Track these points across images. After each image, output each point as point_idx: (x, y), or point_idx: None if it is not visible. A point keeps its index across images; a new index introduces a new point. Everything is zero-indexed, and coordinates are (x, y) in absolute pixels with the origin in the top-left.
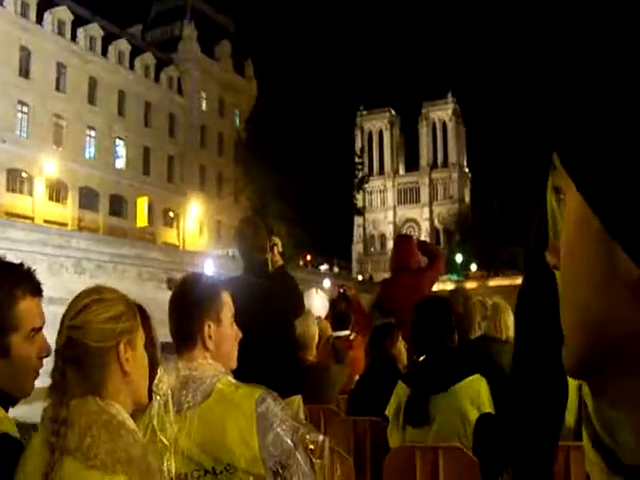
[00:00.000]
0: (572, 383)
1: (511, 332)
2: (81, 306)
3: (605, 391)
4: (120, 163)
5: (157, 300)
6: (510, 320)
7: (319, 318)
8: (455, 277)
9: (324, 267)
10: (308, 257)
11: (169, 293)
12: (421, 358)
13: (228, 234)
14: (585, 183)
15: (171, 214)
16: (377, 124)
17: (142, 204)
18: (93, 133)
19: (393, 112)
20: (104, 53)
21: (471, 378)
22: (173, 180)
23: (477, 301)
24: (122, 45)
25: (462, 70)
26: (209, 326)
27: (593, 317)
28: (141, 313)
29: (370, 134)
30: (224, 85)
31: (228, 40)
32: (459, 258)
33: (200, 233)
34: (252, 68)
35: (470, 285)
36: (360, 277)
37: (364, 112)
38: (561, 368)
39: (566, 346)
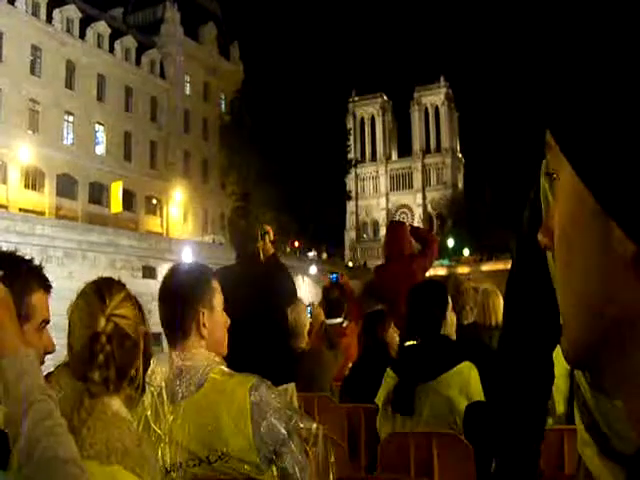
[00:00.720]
0: (562, 372)
1: (501, 317)
2: (120, 298)
3: (603, 380)
4: (100, 149)
5: (132, 289)
6: (500, 305)
7: (312, 305)
8: (447, 262)
9: (312, 254)
10: (296, 243)
11: (146, 282)
12: (407, 343)
13: (214, 221)
14: (579, 160)
15: (154, 201)
16: (369, 109)
17: (116, 189)
18: (71, 118)
19: (385, 97)
20: (82, 36)
21: (460, 366)
22: (156, 166)
23: (470, 287)
24: (101, 27)
25: (454, 54)
26: (203, 314)
27: (590, 297)
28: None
29: (362, 120)
30: (209, 69)
31: (213, 23)
32: (451, 243)
33: (185, 220)
34: (238, 51)
35: (462, 270)
36: (350, 263)
37: (356, 98)
38: (547, 352)
39: (565, 330)
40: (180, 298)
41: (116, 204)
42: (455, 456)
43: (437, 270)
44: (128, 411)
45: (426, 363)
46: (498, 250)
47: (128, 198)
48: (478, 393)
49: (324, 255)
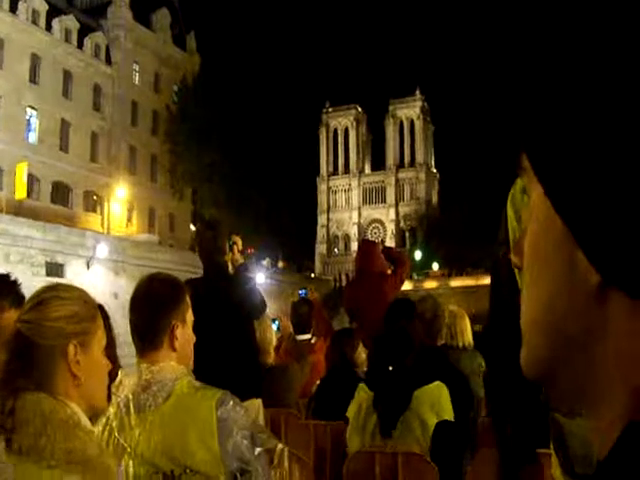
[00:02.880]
0: None
1: (467, 338)
2: (36, 301)
3: (558, 398)
4: (33, 137)
5: (32, 288)
6: (467, 327)
7: (279, 317)
8: (414, 276)
9: (264, 261)
10: (250, 250)
11: (49, 281)
12: (390, 368)
13: (162, 222)
14: (551, 185)
15: (94, 197)
16: (343, 121)
17: (21, 172)
18: None
19: (360, 109)
20: (13, 10)
21: (432, 385)
22: (97, 160)
23: (446, 309)
24: (36, 3)
25: (430, 67)
26: (177, 326)
27: (552, 316)
28: (101, 313)
29: (335, 131)
30: (161, 58)
31: (167, 9)
32: (418, 255)
33: (129, 220)
34: (195, 42)
35: (430, 285)
36: (312, 275)
37: (330, 108)
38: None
39: (524, 346)
40: (155, 308)
41: (21, 189)
42: (420, 476)
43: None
44: (88, 420)
45: (400, 381)
46: (470, 265)
47: (63, 192)
48: (448, 412)
49: (280, 263)
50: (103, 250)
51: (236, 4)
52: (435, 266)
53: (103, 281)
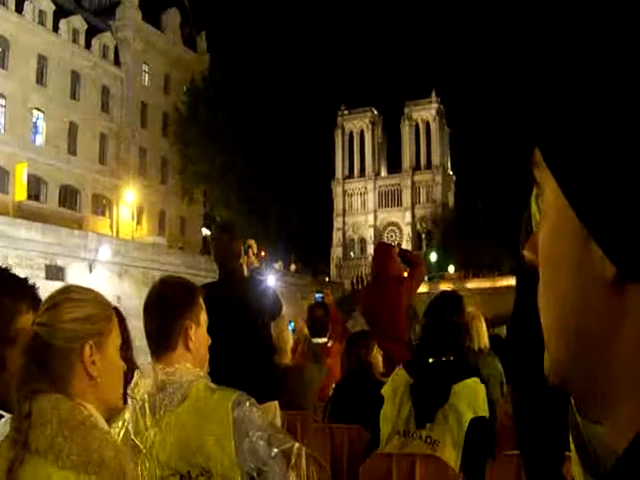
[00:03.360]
0: None
1: (483, 340)
2: (51, 304)
3: (584, 403)
4: (39, 139)
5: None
6: (483, 329)
7: (295, 320)
8: (429, 278)
9: (277, 264)
10: (261, 253)
11: (50, 284)
12: (430, 360)
13: (173, 225)
14: (564, 176)
15: (103, 201)
16: (358, 124)
17: (20, 172)
18: (2, 102)
19: (375, 112)
20: (19, 10)
21: (470, 380)
22: (106, 162)
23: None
24: (43, 3)
25: (446, 68)
26: (190, 327)
27: (570, 316)
28: (117, 315)
29: (351, 134)
30: (171, 59)
31: (177, 9)
32: (434, 257)
33: (138, 223)
34: (206, 43)
35: (446, 286)
36: (326, 279)
37: (345, 111)
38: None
39: (546, 350)
40: (169, 310)
41: (20, 191)
42: (438, 478)
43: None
44: (106, 422)
45: (440, 374)
46: (487, 267)
47: (71, 195)
48: (484, 409)
49: (292, 266)
50: (106, 252)
51: (249, 5)
52: (451, 269)
53: (106, 284)
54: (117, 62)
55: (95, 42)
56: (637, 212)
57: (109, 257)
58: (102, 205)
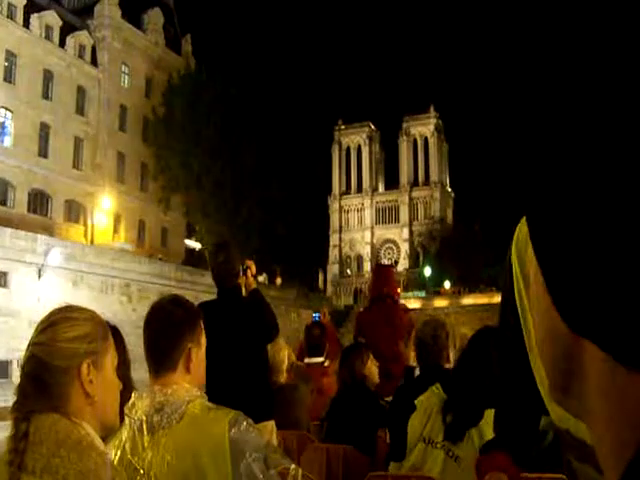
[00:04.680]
0: None
1: None
2: (47, 324)
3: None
4: (7, 141)
5: None
6: None
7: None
8: (422, 294)
9: (261, 277)
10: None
11: None
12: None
13: (154, 235)
14: (536, 241)
15: (78, 207)
16: (355, 139)
17: None
18: None
19: (373, 126)
20: None
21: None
22: (81, 166)
23: (457, 332)
24: None
25: (445, 83)
26: (192, 349)
27: (545, 358)
28: (115, 334)
29: (348, 149)
30: (153, 61)
31: (160, 10)
32: (427, 272)
33: (115, 232)
34: (191, 46)
35: (440, 303)
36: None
37: (342, 126)
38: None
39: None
40: (173, 331)
41: None
42: None
43: (411, 302)
44: (102, 441)
45: (477, 397)
46: (485, 283)
47: (41, 200)
48: (490, 433)
49: (278, 280)
50: (55, 257)
51: (245, 13)
52: (447, 284)
53: (57, 292)
54: (94, 62)
55: (70, 40)
56: (585, 276)
57: (61, 262)
58: (76, 212)
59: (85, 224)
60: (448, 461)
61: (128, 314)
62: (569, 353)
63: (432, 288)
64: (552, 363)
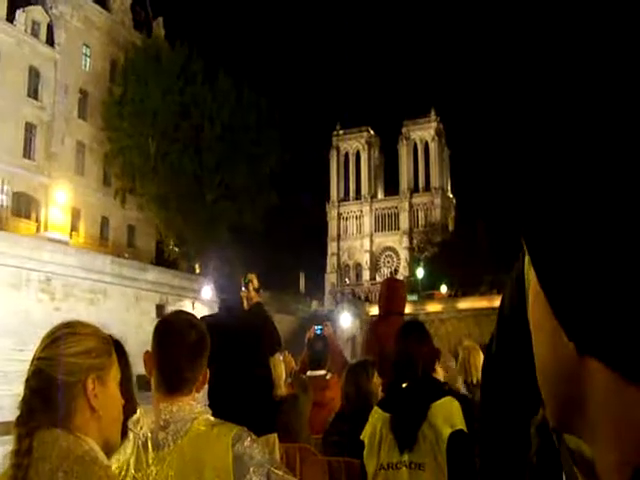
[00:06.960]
0: None
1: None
2: (52, 339)
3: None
4: None
5: None
6: (481, 362)
7: (283, 353)
8: (414, 297)
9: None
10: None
11: None
12: (404, 385)
13: (118, 234)
14: (535, 257)
15: (28, 200)
16: (354, 144)
17: None
18: None
19: (372, 131)
20: None
21: (444, 399)
22: (33, 156)
23: (459, 344)
24: None
25: (446, 86)
26: (204, 373)
27: (546, 380)
28: (118, 349)
29: (347, 155)
30: (118, 44)
31: None
32: (420, 273)
33: (74, 229)
34: (163, 30)
35: (434, 307)
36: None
37: (340, 131)
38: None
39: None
40: (188, 358)
41: None
42: None
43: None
44: (105, 456)
45: (415, 398)
46: (486, 285)
47: None
48: (461, 423)
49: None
50: None
51: (244, 15)
52: (444, 288)
53: None
54: (51, 42)
55: (21, 15)
56: (592, 294)
57: None
58: (26, 205)
59: (37, 220)
60: (413, 474)
61: (49, 314)
62: (572, 374)
63: (424, 292)
64: (555, 388)
